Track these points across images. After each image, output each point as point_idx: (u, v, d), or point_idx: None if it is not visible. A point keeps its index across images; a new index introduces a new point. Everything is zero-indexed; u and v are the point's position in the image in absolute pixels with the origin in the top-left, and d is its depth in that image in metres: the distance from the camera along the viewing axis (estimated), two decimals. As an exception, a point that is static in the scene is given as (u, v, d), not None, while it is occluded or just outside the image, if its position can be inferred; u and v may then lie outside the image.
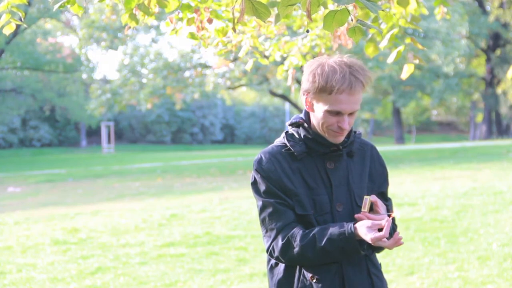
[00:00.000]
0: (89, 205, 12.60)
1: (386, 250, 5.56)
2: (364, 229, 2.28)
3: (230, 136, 50.03)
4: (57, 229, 9.19)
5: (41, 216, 10.83)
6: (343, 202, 2.42)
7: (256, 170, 2.44)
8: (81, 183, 18.23)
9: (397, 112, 42.19)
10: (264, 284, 5.95)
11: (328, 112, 2.34)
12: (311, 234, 2.37)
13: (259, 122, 49.67)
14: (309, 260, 2.39)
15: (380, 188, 2.55)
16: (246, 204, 10.72)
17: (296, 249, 2.37)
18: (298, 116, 2.50)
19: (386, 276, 5.95)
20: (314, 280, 2.41)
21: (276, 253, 2.42)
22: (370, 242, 2.27)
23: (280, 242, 2.40)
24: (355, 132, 2.52)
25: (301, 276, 2.44)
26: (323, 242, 2.34)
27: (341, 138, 2.40)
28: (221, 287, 5.95)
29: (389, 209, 2.47)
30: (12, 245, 8.15)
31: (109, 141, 40.56)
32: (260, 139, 48.85)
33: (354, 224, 2.33)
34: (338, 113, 2.34)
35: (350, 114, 2.36)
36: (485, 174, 13.91)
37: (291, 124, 2.49)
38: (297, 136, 2.46)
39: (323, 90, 2.32)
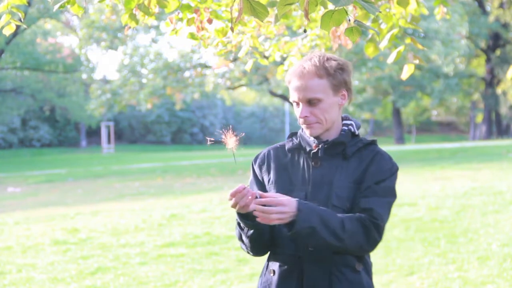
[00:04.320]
0: (89, 205, 12.60)
1: (385, 250, 5.61)
2: None
3: (230, 136, 49.96)
4: (57, 229, 9.19)
5: (41, 216, 10.83)
6: (320, 200, 2.38)
7: (252, 162, 2.59)
8: (81, 183, 18.23)
9: (397, 112, 42.17)
10: (264, 284, 5.94)
11: (293, 104, 2.44)
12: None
13: (259, 122, 49.68)
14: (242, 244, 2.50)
15: (364, 184, 2.38)
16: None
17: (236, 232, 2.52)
18: None
19: (386, 276, 5.95)
20: (272, 274, 2.45)
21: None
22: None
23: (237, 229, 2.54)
24: (361, 138, 2.48)
25: (266, 270, 2.51)
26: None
27: (314, 131, 2.42)
28: (221, 287, 5.95)
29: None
30: (12, 245, 8.15)
31: (109, 141, 40.55)
32: (260, 139, 48.85)
33: None
34: (298, 103, 2.41)
35: (312, 103, 2.38)
36: (485, 174, 13.91)
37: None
38: (298, 134, 2.54)
39: (287, 83, 2.45)
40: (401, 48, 3.58)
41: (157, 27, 23.40)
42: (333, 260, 2.38)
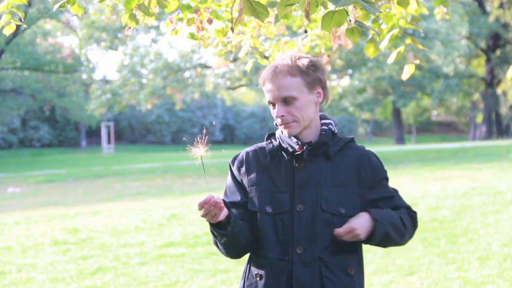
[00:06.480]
0: (89, 205, 12.60)
1: (385, 250, 5.62)
2: None
3: (230, 136, 50.01)
4: (57, 229, 9.19)
5: (41, 216, 10.83)
6: (307, 203, 2.37)
7: (229, 164, 2.55)
8: (81, 183, 18.23)
9: (397, 112, 42.18)
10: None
11: (269, 106, 2.42)
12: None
13: (259, 122, 49.65)
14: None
15: (372, 195, 2.44)
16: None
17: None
18: None
19: (386, 276, 5.96)
20: (258, 278, 2.42)
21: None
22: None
23: None
24: (341, 137, 2.47)
25: (248, 273, 2.47)
26: None
27: (292, 130, 2.39)
28: (221, 287, 5.96)
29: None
30: (12, 245, 8.15)
31: (109, 141, 40.54)
32: (260, 139, 48.25)
33: None
34: (273, 104, 2.39)
35: (287, 102, 2.37)
36: (485, 174, 13.91)
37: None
38: (277, 135, 2.49)
39: (261, 85, 2.44)
40: (401, 48, 3.58)
41: (157, 27, 23.42)
42: (319, 263, 2.36)
